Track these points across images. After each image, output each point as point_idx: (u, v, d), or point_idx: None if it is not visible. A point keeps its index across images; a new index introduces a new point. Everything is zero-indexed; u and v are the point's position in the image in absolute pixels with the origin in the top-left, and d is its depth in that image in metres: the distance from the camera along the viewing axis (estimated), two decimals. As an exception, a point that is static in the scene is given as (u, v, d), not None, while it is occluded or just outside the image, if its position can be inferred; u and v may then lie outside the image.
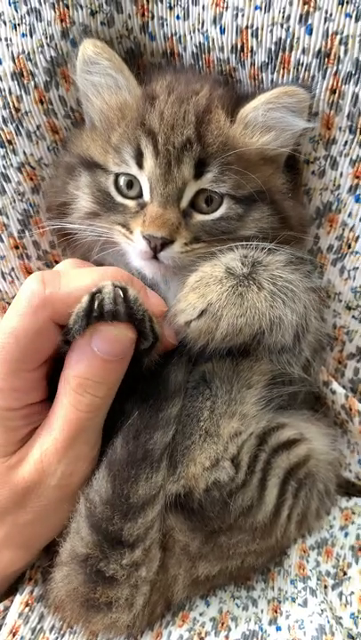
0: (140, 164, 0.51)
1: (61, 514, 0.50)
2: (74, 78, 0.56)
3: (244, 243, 0.51)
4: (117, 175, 0.53)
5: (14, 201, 0.60)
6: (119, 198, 0.53)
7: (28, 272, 0.63)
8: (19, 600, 0.53)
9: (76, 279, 0.47)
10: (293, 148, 0.55)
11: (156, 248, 0.50)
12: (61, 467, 0.48)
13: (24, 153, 0.58)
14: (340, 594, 0.54)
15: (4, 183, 0.59)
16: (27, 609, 0.52)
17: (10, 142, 0.57)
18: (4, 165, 0.58)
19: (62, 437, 0.47)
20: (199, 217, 0.52)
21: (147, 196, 0.52)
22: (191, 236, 0.51)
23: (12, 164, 0.58)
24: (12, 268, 0.63)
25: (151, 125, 0.51)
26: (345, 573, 0.56)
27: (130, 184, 0.53)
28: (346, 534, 0.59)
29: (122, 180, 0.53)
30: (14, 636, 0.50)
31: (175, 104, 0.51)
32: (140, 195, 0.53)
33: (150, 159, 0.51)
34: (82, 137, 0.56)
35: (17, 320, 0.45)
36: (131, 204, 0.53)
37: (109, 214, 0.54)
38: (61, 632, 0.52)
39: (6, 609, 0.52)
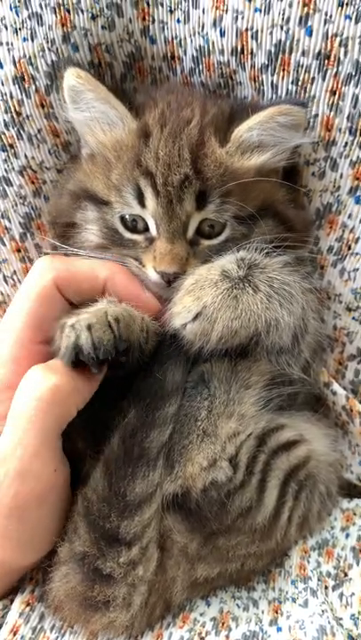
0: (142, 204, 0.52)
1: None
2: (67, 116, 0.55)
3: (244, 243, 0.52)
4: (122, 215, 0.53)
5: (16, 204, 0.60)
6: (128, 235, 0.54)
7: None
8: (19, 599, 0.53)
9: (79, 262, 0.53)
10: (293, 159, 0.55)
11: (170, 281, 0.51)
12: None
13: (25, 156, 0.58)
14: (341, 595, 0.54)
15: (6, 187, 0.59)
16: (27, 608, 0.52)
17: (11, 146, 0.58)
18: (5, 169, 0.59)
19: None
20: (206, 242, 0.53)
21: (154, 232, 0.53)
22: (200, 263, 0.52)
23: (13, 168, 0.59)
24: (14, 272, 0.63)
25: (148, 166, 0.51)
26: (346, 574, 0.55)
27: (135, 220, 0.53)
28: (347, 535, 0.59)
29: (128, 217, 0.53)
30: (15, 634, 0.50)
31: (169, 140, 0.51)
32: (147, 228, 0.53)
33: (151, 199, 0.51)
34: (83, 168, 0.56)
35: (25, 287, 0.51)
36: (139, 238, 0.53)
37: (120, 249, 0.54)
38: (62, 631, 0.52)
39: (5, 607, 0.53)
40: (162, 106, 0.54)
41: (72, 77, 0.52)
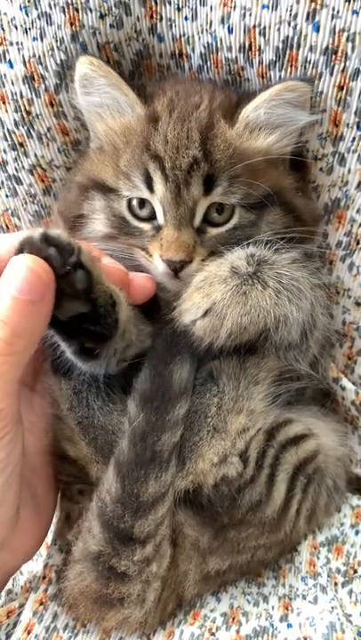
0: (150, 188, 0.52)
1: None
2: (76, 104, 0.56)
3: (253, 240, 0.52)
4: (130, 199, 0.54)
5: (26, 202, 0.61)
6: (135, 222, 0.54)
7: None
8: (33, 598, 0.53)
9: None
10: (299, 146, 0.55)
11: (176, 269, 0.51)
12: None
13: (35, 155, 0.59)
14: (351, 591, 0.54)
15: (16, 185, 0.60)
16: (41, 607, 0.53)
17: (21, 145, 0.58)
18: (15, 168, 0.59)
19: None
20: (213, 231, 0.53)
21: (161, 219, 0.53)
22: (207, 252, 0.52)
23: (23, 167, 0.59)
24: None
25: (157, 150, 0.51)
26: (355, 571, 0.55)
27: (142, 203, 0.54)
28: (357, 532, 0.58)
29: (135, 201, 0.54)
30: (29, 633, 0.51)
31: (177, 123, 0.51)
32: (154, 216, 0.53)
33: (160, 184, 0.51)
34: (91, 158, 0.57)
35: None
36: (146, 227, 0.54)
37: (127, 238, 0.54)
38: (75, 631, 0.52)
39: (22, 606, 0.53)
40: (170, 94, 0.54)
41: (85, 65, 0.53)
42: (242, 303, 0.48)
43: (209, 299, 0.48)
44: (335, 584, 0.55)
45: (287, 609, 0.54)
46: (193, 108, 0.52)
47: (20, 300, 0.41)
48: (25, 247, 0.42)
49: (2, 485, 0.45)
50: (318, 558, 0.57)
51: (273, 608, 0.54)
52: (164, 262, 0.51)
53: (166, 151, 0.50)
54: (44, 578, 0.55)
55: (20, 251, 0.42)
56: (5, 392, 0.43)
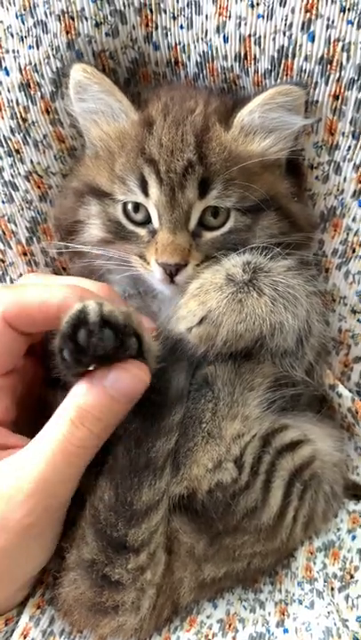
0: (145, 192, 0.52)
1: (32, 551, 0.47)
2: (71, 110, 0.56)
3: (249, 247, 0.52)
4: (125, 203, 0.54)
5: (22, 209, 0.61)
6: (130, 227, 0.54)
7: (37, 279, 0.64)
8: (31, 602, 0.53)
9: (31, 291, 0.47)
10: (294, 150, 0.55)
11: (172, 273, 0.51)
12: (33, 501, 0.44)
13: (31, 162, 0.59)
14: (347, 596, 0.54)
15: (13, 191, 0.60)
16: (38, 611, 0.52)
17: (17, 151, 0.58)
18: (12, 174, 0.59)
19: (45, 469, 0.44)
20: (208, 235, 0.53)
21: (156, 223, 0.53)
22: (202, 256, 0.52)
23: (19, 173, 0.59)
24: (20, 274, 0.64)
25: (151, 153, 0.51)
26: (352, 576, 0.55)
27: (137, 207, 0.54)
28: (353, 537, 0.59)
29: (130, 205, 0.54)
30: (25, 637, 0.51)
31: (172, 127, 0.51)
32: (149, 220, 0.53)
33: (155, 187, 0.51)
34: (86, 164, 0.57)
35: None
36: (142, 232, 0.53)
37: (123, 243, 0.54)
38: (71, 636, 0.52)
39: (20, 614, 0.53)
40: (165, 99, 0.54)
41: (79, 72, 0.53)
42: (237, 311, 0.48)
43: (204, 306, 0.48)
44: (332, 589, 0.55)
45: (283, 614, 0.54)
46: (188, 112, 0.52)
47: (120, 402, 0.44)
48: (82, 325, 0.41)
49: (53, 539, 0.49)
50: (315, 563, 0.57)
51: (269, 614, 0.55)
52: (160, 266, 0.51)
53: (161, 154, 0.50)
54: (42, 582, 0.54)
55: (74, 326, 0.41)
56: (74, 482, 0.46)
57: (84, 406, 0.44)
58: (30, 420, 0.51)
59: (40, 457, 0.44)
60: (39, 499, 0.44)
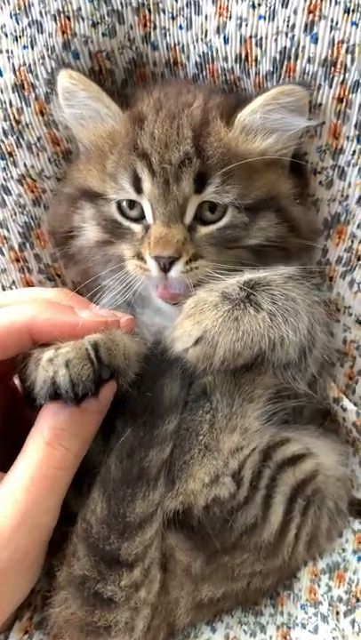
0: (138, 189, 0.51)
1: (20, 583, 0.46)
2: (61, 117, 0.55)
3: (251, 266, 0.50)
4: (119, 201, 0.53)
5: (15, 213, 0.59)
6: (126, 222, 0.53)
7: (29, 285, 0.63)
8: (17, 627, 0.51)
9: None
10: (297, 152, 0.54)
11: (165, 267, 0.50)
12: (19, 537, 0.43)
13: (25, 165, 0.58)
14: (353, 621, 0.52)
15: (5, 195, 0.58)
16: (25, 636, 0.51)
17: (10, 154, 0.57)
18: (4, 177, 0.58)
19: (25, 499, 0.43)
20: (204, 229, 0.51)
21: (150, 218, 0.51)
22: (194, 252, 0.51)
23: (12, 176, 0.58)
24: (13, 282, 0.62)
25: (144, 148, 0.50)
26: (358, 600, 0.53)
27: (132, 204, 0.52)
28: (359, 559, 0.57)
29: (124, 203, 0.52)
30: None
31: (166, 121, 0.50)
32: (144, 216, 0.52)
33: (148, 181, 0.50)
34: (78, 168, 0.56)
35: None
36: (137, 228, 0.52)
37: (120, 241, 0.53)
38: None
39: (7, 638, 0.50)
40: (157, 95, 0.53)
41: (65, 79, 0.52)
42: (234, 329, 0.46)
43: (200, 326, 0.47)
44: (337, 613, 0.53)
45: (285, 638, 0.52)
46: (184, 105, 0.51)
47: (93, 412, 0.44)
48: (55, 392, 0.43)
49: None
50: (319, 586, 0.55)
51: (271, 638, 0.52)
52: (154, 260, 0.50)
53: (153, 147, 0.49)
54: (30, 605, 0.53)
55: (48, 395, 0.43)
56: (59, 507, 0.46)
57: (58, 425, 0.43)
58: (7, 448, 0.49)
59: (19, 488, 0.43)
60: (24, 532, 0.43)
